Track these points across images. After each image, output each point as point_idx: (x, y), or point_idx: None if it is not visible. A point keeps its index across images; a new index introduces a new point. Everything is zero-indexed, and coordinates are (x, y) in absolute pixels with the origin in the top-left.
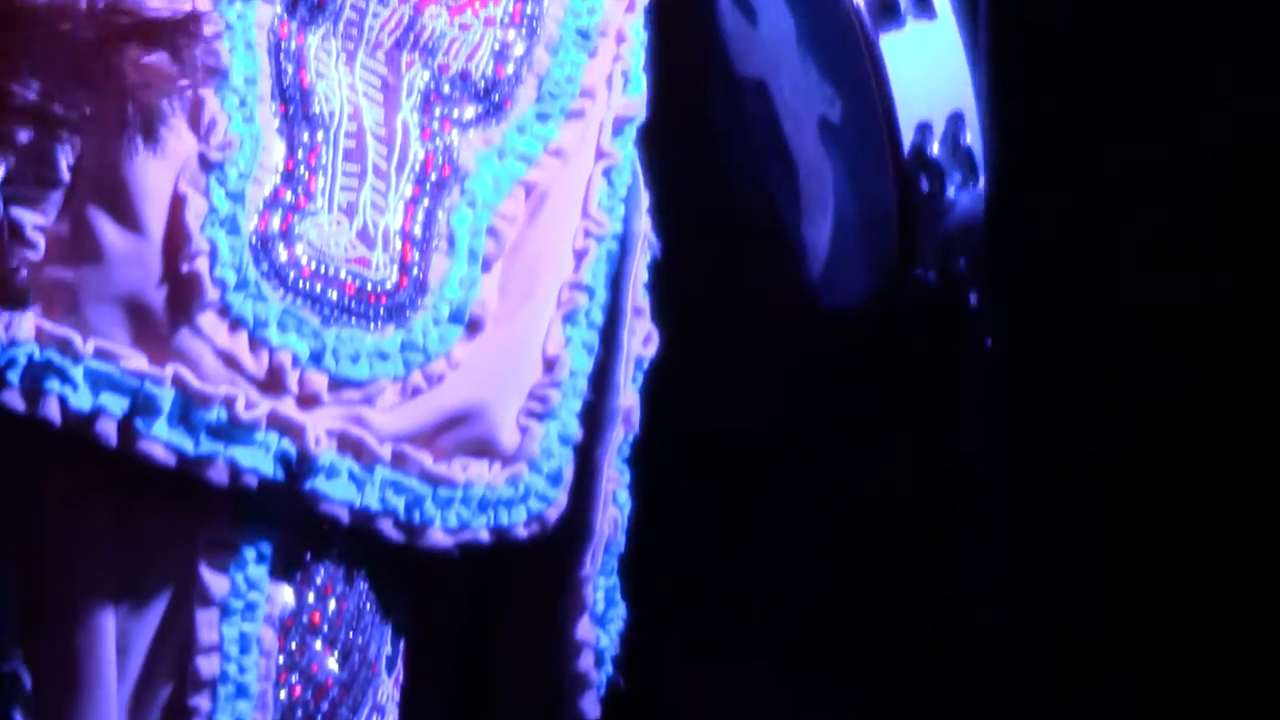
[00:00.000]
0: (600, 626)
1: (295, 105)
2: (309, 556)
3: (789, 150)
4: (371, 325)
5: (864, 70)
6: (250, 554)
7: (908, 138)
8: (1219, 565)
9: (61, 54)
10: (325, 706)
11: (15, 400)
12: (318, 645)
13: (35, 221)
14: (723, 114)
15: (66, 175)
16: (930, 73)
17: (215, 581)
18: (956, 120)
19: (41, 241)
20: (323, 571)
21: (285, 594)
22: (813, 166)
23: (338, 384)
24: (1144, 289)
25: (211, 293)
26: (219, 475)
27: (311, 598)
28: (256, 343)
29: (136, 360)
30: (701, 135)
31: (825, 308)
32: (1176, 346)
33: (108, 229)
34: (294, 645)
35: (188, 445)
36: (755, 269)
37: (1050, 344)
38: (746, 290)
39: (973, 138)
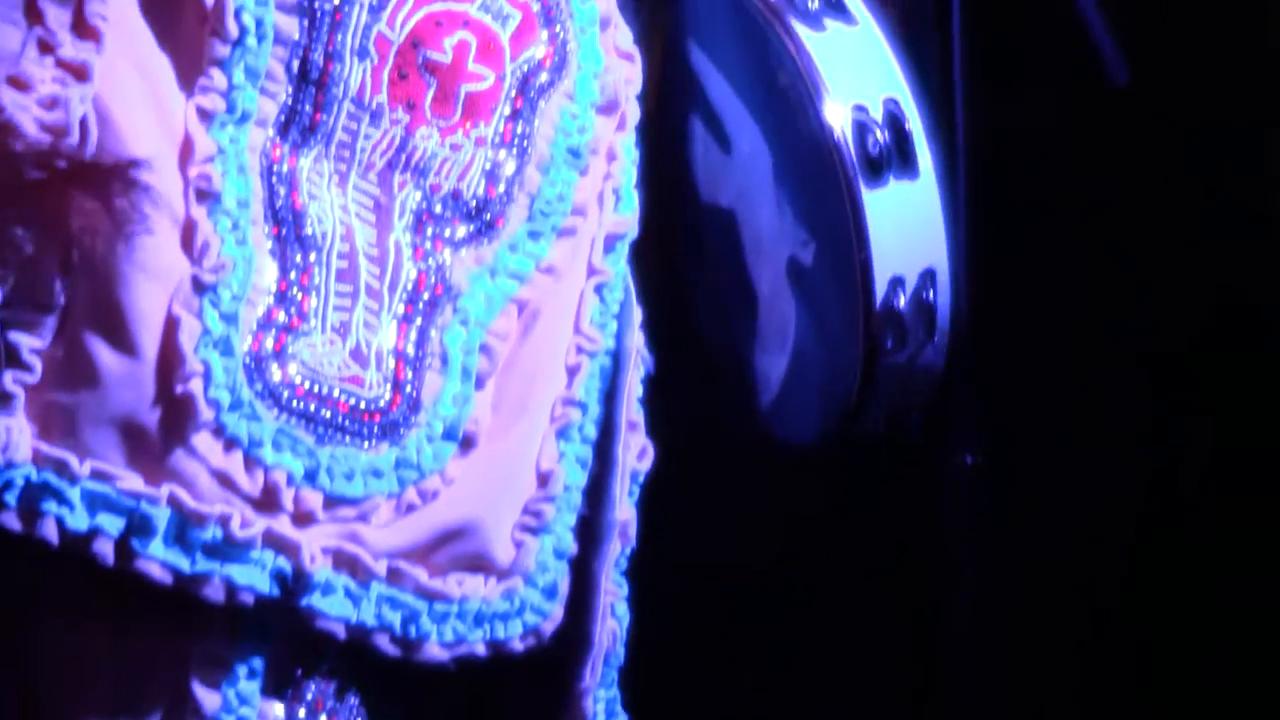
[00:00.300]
0: None
1: (288, 227)
2: (300, 673)
3: (750, 281)
4: (365, 443)
5: (843, 218)
6: (242, 670)
7: (880, 291)
8: (1207, 672)
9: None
10: None
11: (13, 521)
12: None
13: (32, 345)
14: (687, 240)
15: (62, 299)
16: (909, 230)
17: (207, 697)
18: (928, 276)
19: (38, 365)
20: (313, 688)
21: (276, 710)
22: (774, 300)
23: (332, 502)
24: (1124, 408)
25: (206, 413)
26: (215, 593)
27: (302, 713)
28: (251, 462)
29: (132, 481)
30: (665, 257)
31: (777, 437)
32: (1159, 466)
33: (103, 352)
34: None
35: (184, 564)
36: (712, 392)
37: (1030, 458)
38: (706, 415)
39: (938, 294)
